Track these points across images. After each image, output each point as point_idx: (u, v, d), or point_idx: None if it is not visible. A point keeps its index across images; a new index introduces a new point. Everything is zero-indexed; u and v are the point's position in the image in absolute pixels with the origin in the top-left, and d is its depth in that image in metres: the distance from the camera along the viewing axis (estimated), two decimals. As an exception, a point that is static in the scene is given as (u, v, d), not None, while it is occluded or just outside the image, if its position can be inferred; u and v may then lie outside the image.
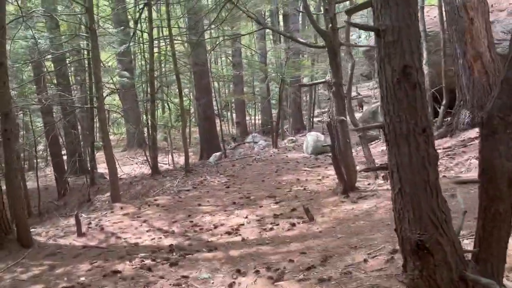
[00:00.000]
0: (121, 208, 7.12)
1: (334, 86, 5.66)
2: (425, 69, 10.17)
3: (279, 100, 14.65)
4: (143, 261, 4.42)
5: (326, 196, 6.24)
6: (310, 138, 13.42)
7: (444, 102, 10.11)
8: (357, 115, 23.60)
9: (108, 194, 11.59)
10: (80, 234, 5.55)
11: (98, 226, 5.97)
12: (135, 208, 7.08)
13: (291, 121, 20.17)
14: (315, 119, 20.71)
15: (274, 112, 25.95)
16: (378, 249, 3.65)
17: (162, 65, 16.46)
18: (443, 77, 10.08)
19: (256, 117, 23.13)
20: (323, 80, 6.06)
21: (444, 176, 6.04)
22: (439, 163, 6.85)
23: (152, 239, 5.34)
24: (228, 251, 4.55)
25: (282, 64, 15.30)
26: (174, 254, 4.60)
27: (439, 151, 8.72)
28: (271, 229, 5.14)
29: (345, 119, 5.75)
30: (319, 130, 18.45)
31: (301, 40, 6.04)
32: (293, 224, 5.12)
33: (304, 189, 7.35)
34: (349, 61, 6.48)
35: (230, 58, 20.48)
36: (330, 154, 13.90)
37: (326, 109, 23.81)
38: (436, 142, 9.58)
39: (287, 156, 13.09)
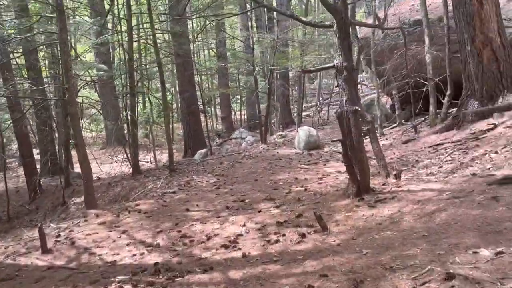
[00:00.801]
0: (97, 215, 6.18)
1: (345, 70, 4.85)
2: (427, 57, 9.47)
3: (268, 93, 13.82)
4: (121, 287, 3.53)
5: (335, 198, 5.42)
6: (302, 133, 12.63)
7: (448, 92, 9.43)
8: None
9: (85, 196, 10.63)
10: (45, 250, 4.63)
11: (68, 240, 5.04)
12: (113, 215, 6.15)
13: (279, 115, 19.37)
14: (304, 113, 19.95)
15: (260, 106, 25.19)
16: (423, 273, 2.85)
17: (143, 56, 15.43)
18: (447, 66, 9.38)
19: (242, 112, 22.26)
20: (330, 64, 5.23)
21: (473, 175, 5.29)
22: (450, 158, 6.09)
23: (133, 255, 4.44)
24: (227, 271, 3.69)
25: (269, 55, 14.43)
26: (161, 276, 3.73)
27: (447, 144, 8.01)
28: (277, 241, 4.30)
29: (359, 109, 4.95)
30: (308, 125, 17.71)
31: (304, 20, 5.17)
32: (303, 235, 4.28)
33: (306, 189, 6.53)
34: (355, 45, 5.65)
35: (214, 50, 19.51)
36: (323, 149, 13.22)
37: (314, 103, 23.10)
38: (442, 135, 8.90)
39: (278, 152, 12.27)
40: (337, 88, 25.86)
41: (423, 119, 10.81)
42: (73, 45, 17.33)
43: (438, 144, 8.26)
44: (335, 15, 4.82)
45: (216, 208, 6.14)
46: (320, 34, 16.92)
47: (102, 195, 10.02)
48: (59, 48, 6.36)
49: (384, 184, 5.55)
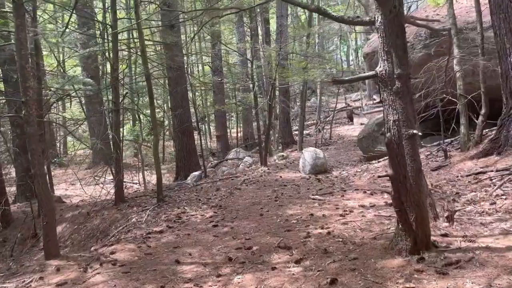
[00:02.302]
0: (57, 269, 4.70)
1: (398, 80, 3.52)
2: (458, 71, 8.20)
3: (269, 110, 12.49)
4: None
5: (379, 254, 4.01)
6: (308, 155, 11.27)
7: (483, 111, 8.14)
8: (346, 128, 21.76)
9: (63, 225, 9.11)
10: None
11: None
12: (79, 269, 4.68)
13: (278, 134, 18.04)
14: (304, 132, 18.63)
15: (255, 124, 23.86)
16: None
17: (131, 68, 14.08)
18: (481, 81, 8.12)
19: (238, 130, 20.90)
20: (371, 73, 3.91)
21: None
22: (501, 191, 4.73)
23: None
24: None
25: (269, 68, 13.15)
26: None
27: (491, 173, 6.65)
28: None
29: (418, 133, 3.59)
30: (309, 145, 16.38)
31: (334, 14, 3.84)
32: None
33: (329, 233, 5.12)
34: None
35: (209, 64, 18.24)
36: (331, 173, 11.86)
37: (315, 121, 21.82)
38: (481, 161, 7.50)
39: (281, 177, 10.88)
40: (377, 103, 24.75)
41: (449, 141, 9.49)
42: (56, 56, 15.95)
43: (479, 173, 6.92)
44: (383, 5, 3.52)
45: (215, 259, 4.70)
46: (324, 45, 15.73)
47: (77, 229, 8.54)
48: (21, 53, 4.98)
49: (444, 235, 4.15)
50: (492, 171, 6.78)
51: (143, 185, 15.02)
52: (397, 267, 3.55)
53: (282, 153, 14.53)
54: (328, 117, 21.05)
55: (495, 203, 5.56)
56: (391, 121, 3.83)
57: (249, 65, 13.66)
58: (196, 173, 12.72)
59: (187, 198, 8.92)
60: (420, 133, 3.61)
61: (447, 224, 4.67)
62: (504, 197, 5.72)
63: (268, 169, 12.32)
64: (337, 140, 17.54)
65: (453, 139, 9.30)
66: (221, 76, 15.80)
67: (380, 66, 3.88)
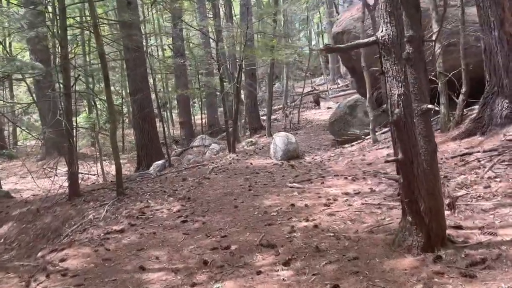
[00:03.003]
0: (-7, 284, 3.85)
1: (410, 43, 2.90)
2: (437, 48, 7.77)
3: (237, 94, 11.74)
4: None
5: (382, 251, 3.44)
6: (279, 140, 10.66)
7: (464, 89, 7.77)
8: (313, 112, 21.34)
9: (10, 224, 8.09)
10: None
11: None
12: (20, 282, 3.85)
13: (244, 119, 17.35)
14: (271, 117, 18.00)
15: (221, 111, 22.98)
16: None
17: (84, 49, 12.89)
18: (462, 57, 7.73)
19: (202, 116, 20.04)
20: (371, 39, 3.27)
21: None
22: (493, 173, 4.26)
23: None
24: None
25: (235, 49, 12.38)
26: None
27: (477, 154, 6.24)
28: None
29: (434, 108, 2.99)
30: (278, 130, 15.81)
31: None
32: None
33: (316, 226, 4.52)
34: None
35: (170, 46, 17.20)
36: (303, 159, 11.33)
37: (281, 106, 21.26)
38: (464, 142, 7.09)
39: (251, 164, 10.22)
40: (342, 87, 24.12)
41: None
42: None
43: (465, 154, 6.53)
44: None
45: (188, 263, 3.99)
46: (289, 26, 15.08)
47: (25, 227, 7.56)
48: None
49: (457, 227, 3.62)
50: (478, 152, 6.39)
51: (101, 176, 14.04)
52: (410, 268, 2.98)
53: (250, 139, 13.88)
54: (295, 102, 20.54)
55: (489, 186, 5.14)
56: (396, 96, 3.23)
57: (213, 45, 12.79)
58: (160, 162, 11.84)
59: (150, 190, 8.10)
60: (436, 108, 3.03)
61: (448, 212, 4.16)
62: (498, 179, 5.31)
63: (237, 156, 11.63)
64: (306, 125, 17.06)
65: (434, 119, 8.92)
66: (184, 59, 14.85)
67: (382, 31, 3.25)
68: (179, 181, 8.91)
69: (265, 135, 14.76)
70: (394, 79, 3.24)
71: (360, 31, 12.07)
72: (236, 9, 20.26)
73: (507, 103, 6.80)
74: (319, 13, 27.78)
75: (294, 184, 6.89)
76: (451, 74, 7.75)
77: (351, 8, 13.80)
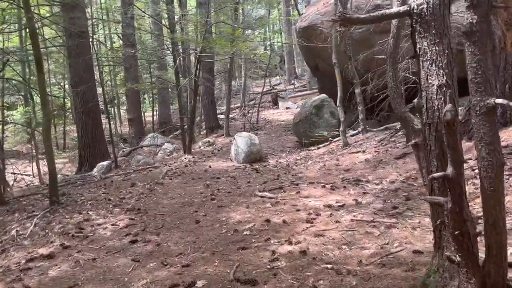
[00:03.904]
0: None
1: (473, 9, 2.03)
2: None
3: (195, 89, 10.62)
4: None
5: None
6: (241, 141, 9.70)
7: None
8: (271, 112, 20.56)
9: None
10: None
11: None
12: None
13: (200, 117, 16.22)
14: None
15: (174, 108, 21.63)
16: None
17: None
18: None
19: (153, 113, 18.65)
20: (403, 8, 2.39)
21: None
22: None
23: None
24: None
25: (194, 39, 11.27)
26: None
27: (470, 162, 5.56)
28: None
29: (509, 103, 2.14)
30: (236, 130, 14.84)
31: None
32: None
33: (304, 252, 3.60)
34: None
35: (119, 34, 15.70)
36: (267, 162, 10.41)
37: (239, 104, 20.30)
38: None
39: (210, 167, 9.18)
40: (299, 87, 23.23)
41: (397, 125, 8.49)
42: None
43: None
44: None
45: (138, 310, 2.91)
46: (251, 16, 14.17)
47: None
48: None
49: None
50: (470, 159, 5.75)
51: (38, 177, 12.43)
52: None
53: (207, 139, 12.79)
54: (253, 101, 19.66)
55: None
56: (435, 87, 2.36)
57: (166, 34, 11.57)
58: (105, 163, 10.50)
59: (92, 198, 6.85)
60: (511, 103, 2.19)
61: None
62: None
63: (194, 157, 10.53)
64: (265, 125, 16.20)
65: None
66: (134, 49, 13.49)
67: (414, -1, 2.37)
68: (127, 186, 7.71)
69: (223, 134, 13.73)
70: (433, 64, 2.37)
71: (328, 26, 11.37)
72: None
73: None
74: (278, 10, 27.04)
75: (265, 193, 5.93)
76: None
77: (316, 3, 13.09)
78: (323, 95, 11.40)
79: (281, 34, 27.14)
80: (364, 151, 7.66)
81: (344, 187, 5.82)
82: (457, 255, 2.25)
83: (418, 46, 2.44)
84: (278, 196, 5.71)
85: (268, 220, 4.62)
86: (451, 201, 2.17)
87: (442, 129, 2.37)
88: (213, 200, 6.01)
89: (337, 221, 4.39)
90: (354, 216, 4.55)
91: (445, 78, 2.36)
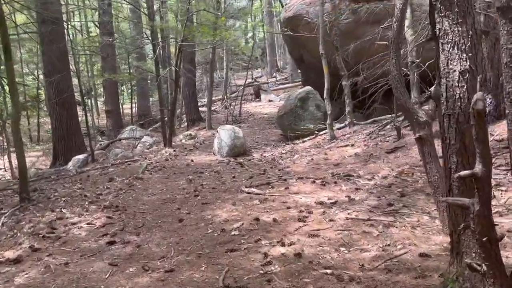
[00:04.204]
0: None
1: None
2: (409, 35, 6.92)
3: (176, 79, 10.19)
4: None
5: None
6: (225, 134, 9.36)
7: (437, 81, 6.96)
8: (253, 104, 20.21)
9: None
10: None
11: None
12: None
13: (181, 109, 15.77)
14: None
15: (153, 99, 21.04)
16: None
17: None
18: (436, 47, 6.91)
19: (132, 105, 18.06)
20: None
21: None
22: (499, 183, 3.32)
23: None
24: None
25: (175, 28, 10.83)
26: None
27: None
28: None
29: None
30: (218, 123, 14.47)
31: None
32: None
33: (299, 255, 3.31)
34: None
35: (96, 22, 15.07)
36: (251, 155, 10.09)
37: (221, 97, 19.88)
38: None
39: (192, 161, 8.83)
40: (282, 80, 22.90)
41: (388, 119, 8.30)
42: None
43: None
44: None
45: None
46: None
47: None
48: None
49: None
50: (465, 153, 5.56)
51: (10, 171, 11.82)
52: None
53: (189, 132, 12.38)
54: (235, 93, 19.27)
55: (494, 197, 4.26)
56: (457, 73, 2.09)
57: (146, 23, 11.09)
58: (81, 156, 10.00)
59: (67, 194, 6.41)
60: None
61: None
62: (503, 188, 4.47)
63: (175, 151, 10.13)
64: (248, 118, 15.86)
65: (393, 115, 8.10)
66: (112, 38, 12.91)
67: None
68: (105, 181, 7.29)
69: (205, 127, 13.34)
70: (455, 47, 2.10)
71: (313, 16, 11.09)
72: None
73: (490, 98, 6.07)
74: (260, 1, 26.63)
75: (252, 189, 5.62)
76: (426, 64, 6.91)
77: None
78: (308, 87, 11.13)
79: (263, 26, 26.71)
80: (353, 145, 7.42)
81: (335, 182, 5.57)
82: (482, 264, 1.98)
83: (437, 26, 2.16)
84: (266, 192, 5.41)
85: (257, 219, 4.31)
86: (478, 203, 1.90)
87: (463, 121, 2.10)
88: (196, 196, 5.67)
89: (331, 220, 4.12)
90: (348, 214, 4.29)
91: (468, 63, 2.08)
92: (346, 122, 9.42)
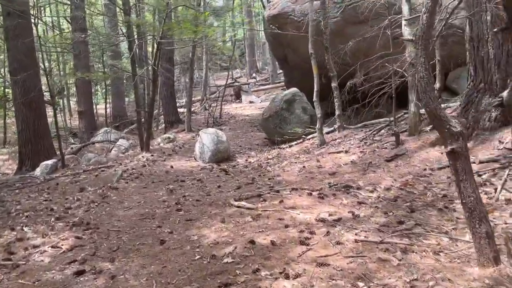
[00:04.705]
0: None
1: None
2: (406, 31, 6.49)
3: (153, 78, 9.49)
4: None
5: None
6: (207, 138, 8.75)
7: (438, 85, 6.54)
8: (234, 106, 19.59)
9: None
10: None
11: None
12: None
13: (158, 110, 15.03)
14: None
15: (128, 100, 20.16)
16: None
17: None
18: (437, 47, 6.50)
19: (106, 105, 17.16)
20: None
21: None
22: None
23: None
24: None
25: (153, 25, 10.14)
26: None
27: (474, 166, 4.84)
28: None
29: None
30: (197, 125, 13.84)
31: None
32: None
33: (310, 293, 2.74)
34: None
35: (67, 18, 14.17)
36: (235, 161, 9.47)
37: (200, 98, 19.20)
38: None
39: (172, 167, 8.20)
40: (262, 80, 22.47)
41: (382, 122, 7.85)
42: None
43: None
44: None
45: None
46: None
47: None
48: None
49: None
50: (473, 162, 5.13)
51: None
52: None
53: (167, 135, 11.68)
54: (215, 94, 18.64)
55: (517, 213, 3.81)
56: None
57: (121, 18, 10.35)
58: (49, 162, 9.22)
59: (31, 207, 5.69)
60: None
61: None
62: (524, 203, 4.02)
63: (152, 155, 9.45)
64: (229, 120, 15.26)
65: (390, 119, 7.66)
66: (85, 34, 12.10)
67: None
68: (75, 191, 6.58)
69: (184, 130, 12.67)
70: None
71: (300, 14, 10.60)
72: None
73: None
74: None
75: (242, 202, 5.02)
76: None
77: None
78: (294, 89, 10.61)
79: (243, 24, 26.13)
80: (347, 152, 6.92)
81: (334, 194, 5.03)
82: None
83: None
84: (258, 207, 4.83)
85: (252, 241, 3.72)
86: None
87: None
88: (179, 211, 5.05)
89: (338, 242, 3.58)
90: (356, 235, 3.75)
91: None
92: (335, 126, 8.94)
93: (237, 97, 20.30)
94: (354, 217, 4.25)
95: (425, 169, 5.39)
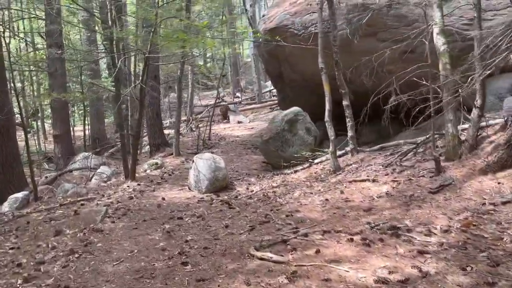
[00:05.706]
0: None
1: None
2: (438, 38, 5.62)
3: (141, 98, 8.39)
4: None
5: None
6: (203, 165, 7.68)
7: (479, 102, 5.66)
8: (222, 126, 18.57)
9: None
10: None
11: None
12: None
13: (144, 133, 13.86)
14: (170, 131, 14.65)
15: (108, 121, 18.90)
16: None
17: None
18: (475, 55, 5.64)
19: (85, 127, 15.85)
20: None
21: None
22: None
23: None
24: None
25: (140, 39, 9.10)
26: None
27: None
28: None
29: None
30: (185, 147, 12.73)
31: None
32: None
33: None
34: None
35: (42, 33, 12.98)
36: (235, 190, 8.32)
37: (185, 118, 18.07)
38: (505, 177, 4.37)
39: (163, 199, 7.07)
40: (249, 99, 20.76)
41: (411, 144, 6.93)
42: None
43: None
44: None
45: None
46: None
47: None
48: None
49: None
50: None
51: None
52: None
53: (154, 160, 10.50)
54: (202, 114, 17.60)
55: None
56: None
57: (102, 32, 9.28)
58: (19, 194, 7.92)
59: (-9, 260, 4.46)
60: None
61: None
62: None
63: (139, 184, 8.29)
64: (219, 142, 14.19)
65: (417, 141, 6.73)
66: (62, 50, 10.93)
67: None
68: (50, 234, 5.38)
69: (171, 154, 11.51)
70: None
71: (301, 27, 9.75)
72: None
73: None
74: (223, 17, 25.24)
75: (267, 253, 3.93)
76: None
77: (280, 3, 11.43)
78: (296, 108, 9.67)
79: (228, 44, 25.27)
80: (374, 180, 5.92)
81: (381, 240, 4.01)
82: None
83: None
84: (289, 260, 3.75)
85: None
86: None
87: None
88: (185, 265, 3.93)
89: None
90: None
91: None
92: (347, 149, 7.99)
93: (224, 117, 19.30)
94: (423, 276, 3.23)
95: (483, 204, 4.44)
